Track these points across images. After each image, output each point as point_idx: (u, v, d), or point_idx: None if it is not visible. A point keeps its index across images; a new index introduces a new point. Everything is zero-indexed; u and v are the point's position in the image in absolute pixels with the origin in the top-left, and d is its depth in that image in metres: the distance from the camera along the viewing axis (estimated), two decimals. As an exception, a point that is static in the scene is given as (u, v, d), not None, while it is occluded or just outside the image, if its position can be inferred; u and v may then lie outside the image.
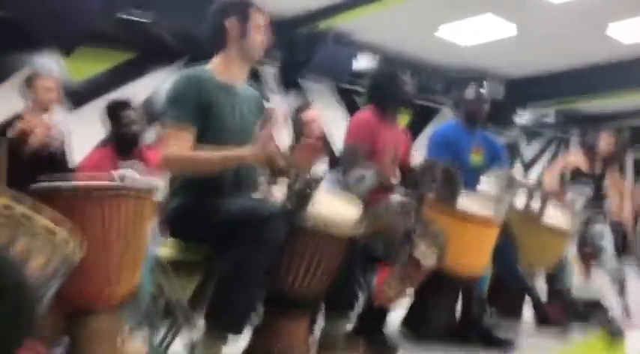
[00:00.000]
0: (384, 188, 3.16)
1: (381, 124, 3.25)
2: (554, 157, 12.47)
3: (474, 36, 7.47)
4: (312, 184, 2.20)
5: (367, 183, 2.95)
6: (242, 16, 2.45)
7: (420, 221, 2.67)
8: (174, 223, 2.43)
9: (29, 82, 3.91)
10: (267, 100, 4.59)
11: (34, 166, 3.19)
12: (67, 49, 5.29)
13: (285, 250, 2.21)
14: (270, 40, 2.55)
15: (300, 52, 6.79)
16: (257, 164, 2.35)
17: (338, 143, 7.01)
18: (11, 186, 1.51)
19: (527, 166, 11.45)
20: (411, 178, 3.20)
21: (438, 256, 2.63)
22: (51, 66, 5.26)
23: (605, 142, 5.11)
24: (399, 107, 3.39)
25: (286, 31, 6.65)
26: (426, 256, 2.58)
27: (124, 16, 5.29)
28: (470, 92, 3.90)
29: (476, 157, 3.80)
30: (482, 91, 3.92)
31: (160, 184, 2.41)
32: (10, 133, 3.64)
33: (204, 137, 2.34)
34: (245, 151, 2.28)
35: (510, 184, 3.38)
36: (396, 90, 3.30)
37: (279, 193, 2.34)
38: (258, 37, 2.49)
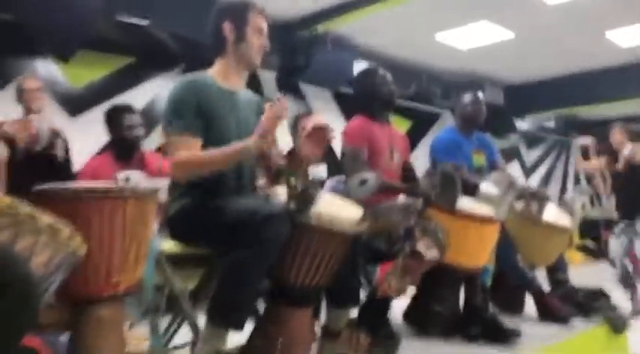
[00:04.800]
0: (388, 190, 3.18)
1: (374, 126, 3.28)
2: (556, 161, 12.51)
3: (472, 40, 7.51)
4: (316, 183, 2.21)
5: (370, 186, 2.97)
6: (239, 19, 2.42)
7: (422, 218, 2.69)
8: (177, 226, 2.42)
9: (17, 87, 3.93)
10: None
11: (34, 172, 3.18)
12: (65, 54, 5.31)
13: (288, 247, 2.21)
14: (269, 44, 2.50)
15: (298, 56, 6.81)
16: (258, 153, 2.33)
17: (337, 148, 7.03)
18: (12, 193, 1.52)
19: (529, 171, 11.46)
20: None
21: (439, 252, 2.65)
22: (42, 69, 5.30)
23: (617, 135, 5.23)
24: (384, 106, 3.40)
25: (285, 35, 6.67)
26: (427, 250, 2.60)
27: (124, 21, 5.29)
28: (467, 97, 3.98)
29: (478, 159, 3.86)
30: (479, 95, 4.00)
31: (162, 186, 2.42)
32: None
33: (205, 144, 2.34)
34: (247, 141, 2.26)
35: (511, 186, 3.41)
36: (377, 90, 3.33)
37: (281, 193, 2.35)
38: (257, 41, 2.45)
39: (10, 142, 3.57)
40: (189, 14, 5.33)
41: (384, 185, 3.07)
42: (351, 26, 6.75)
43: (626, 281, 5.04)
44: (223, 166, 2.32)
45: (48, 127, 3.80)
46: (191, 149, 2.28)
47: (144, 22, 5.36)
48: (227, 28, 2.42)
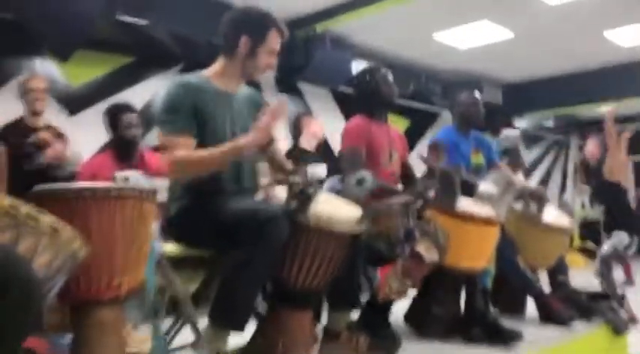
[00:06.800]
0: (385, 192, 3.17)
1: (372, 126, 3.27)
2: (555, 161, 12.51)
3: (471, 40, 7.51)
4: (315, 182, 2.21)
5: (368, 185, 2.96)
6: (257, 37, 2.40)
7: (421, 220, 2.69)
8: (177, 226, 2.43)
9: (20, 86, 3.91)
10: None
11: (38, 177, 3.16)
12: (65, 53, 5.30)
13: (288, 247, 2.21)
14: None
15: (297, 56, 6.81)
16: (256, 151, 2.33)
17: (336, 147, 7.03)
18: (11, 193, 1.52)
19: (528, 171, 11.44)
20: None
21: (439, 254, 2.65)
22: (41, 68, 5.29)
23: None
24: (385, 106, 3.39)
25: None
26: (427, 252, 2.59)
27: (122, 21, 5.29)
28: (465, 96, 3.96)
29: (477, 159, 3.85)
30: (476, 95, 3.98)
31: (162, 186, 2.42)
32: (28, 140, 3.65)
33: (200, 144, 2.32)
34: (244, 139, 2.25)
35: (509, 185, 3.40)
36: (378, 89, 3.31)
37: (281, 193, 2.35)
38: (267, 61, 2.44)
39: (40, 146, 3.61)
40: (188, 14, 5.33)
41: (380, 187, 3.06)
42: (350, 25, 6.74)
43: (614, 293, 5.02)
44: (222, 164, 2.30)
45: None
46: (187, 146, 2.27)
47: (143, 22, 5.35)
48: (243, 41, 2.39)
